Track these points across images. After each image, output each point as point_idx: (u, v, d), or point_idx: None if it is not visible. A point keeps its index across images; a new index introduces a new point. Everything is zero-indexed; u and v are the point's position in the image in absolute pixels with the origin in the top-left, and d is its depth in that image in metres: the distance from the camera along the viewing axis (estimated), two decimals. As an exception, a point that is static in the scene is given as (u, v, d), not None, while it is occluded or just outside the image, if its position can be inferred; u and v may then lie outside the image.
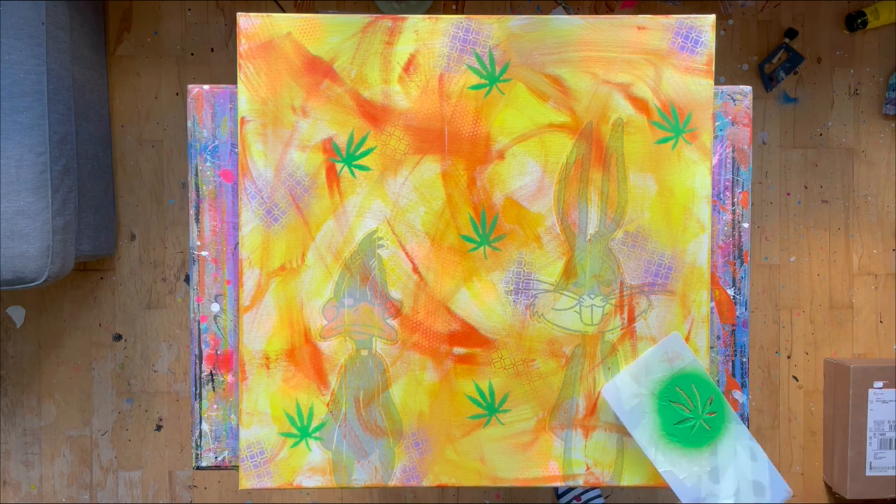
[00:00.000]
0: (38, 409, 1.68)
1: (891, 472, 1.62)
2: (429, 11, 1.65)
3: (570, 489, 1.62)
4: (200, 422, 0.95)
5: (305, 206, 0.92)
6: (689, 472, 0.91)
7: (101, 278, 1.65)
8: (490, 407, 0.93)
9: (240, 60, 0.90)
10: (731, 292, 0.96)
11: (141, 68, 1.62)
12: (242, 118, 0.90)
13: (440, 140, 0.92)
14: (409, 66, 0.91)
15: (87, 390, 1.67)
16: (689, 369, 0.91)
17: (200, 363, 0.94)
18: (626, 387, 0.91)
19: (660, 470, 0.91)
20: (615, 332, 0.93)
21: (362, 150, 0.91)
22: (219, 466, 0.95)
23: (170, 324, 1.67)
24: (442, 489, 1.68)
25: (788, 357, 1.72)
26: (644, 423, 0.91)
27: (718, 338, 0.96)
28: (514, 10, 1.68)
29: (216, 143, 0.94)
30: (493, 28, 0.91)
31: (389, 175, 0.92)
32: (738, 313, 0.96)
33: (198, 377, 0.95)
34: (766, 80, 1.68)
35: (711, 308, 0.96)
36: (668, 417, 0.91)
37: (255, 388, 0.92)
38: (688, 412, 0.91)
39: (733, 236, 0.96)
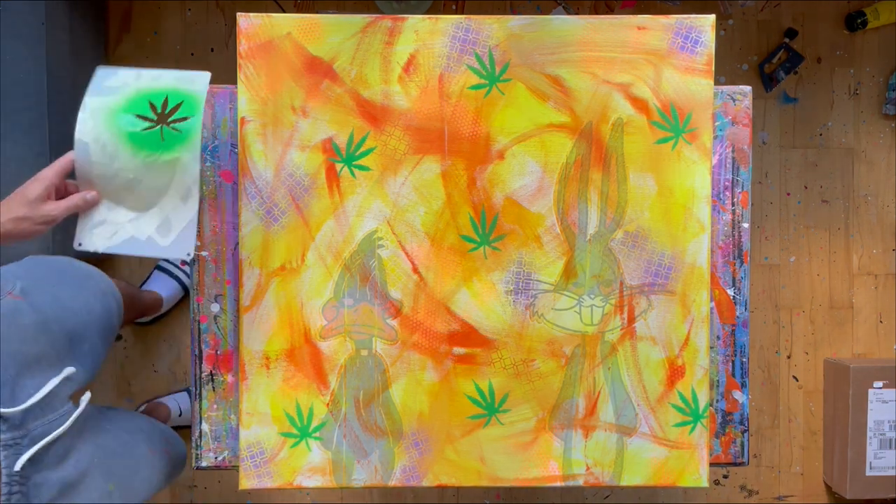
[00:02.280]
0: None
1: (891, 472, 1.62)
2: (429, 11, 1.65)
3: None
4: (200, 422, 0.95)
5: (305, 206, 0.92)
6: (107, 162, 0.81)
7: (101, 278, 1.65)
8: (490, 407, 0.93)
9: (240, 60, 0.90)
10: (730, 292, 0.96)
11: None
12: (242, 118, 0.90)
13: (440, 140, 0.92)
14: (409, 66, 0.91)
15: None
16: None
17: (200, 363, 0.94)
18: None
19: (76, 136, 0.81)
20: (615, 332, 0.93)
21: (362, 150, 0.91)
22: (219, 466, 0.95)
23: (170, 324, 1.67)
24: (442, 489, 1.68)
25: (788, 357, 1.72)
26: (108, 98, 0.82)
27: (718, 338, 0.96)
28: (514, 10, 1.68)
29: (216, 143, 0.94)
30: (493, 28, 0.91)
31: (389, 175, 0.92)
32: (737, 313, 0.96)
33: (198, 377, 0.95)
34: (766, 80, 1.68)
35: (711, 308, 0.96)
36: (132, 105, 0.81)
37: (255, 388, 0.92)
38: (154, 114, 0.81)
39: (733, 236, 0.96)
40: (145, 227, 0.83)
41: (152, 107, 0.82)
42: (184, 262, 1.47)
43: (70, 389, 0.86)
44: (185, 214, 0.84)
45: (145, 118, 0.81)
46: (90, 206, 0.82)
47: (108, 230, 0.83)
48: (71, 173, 0.83)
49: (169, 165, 0.82)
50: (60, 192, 0.82)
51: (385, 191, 0.92)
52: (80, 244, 0.83)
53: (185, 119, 0.81)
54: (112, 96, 0.81)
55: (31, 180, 0.80)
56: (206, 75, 0.84)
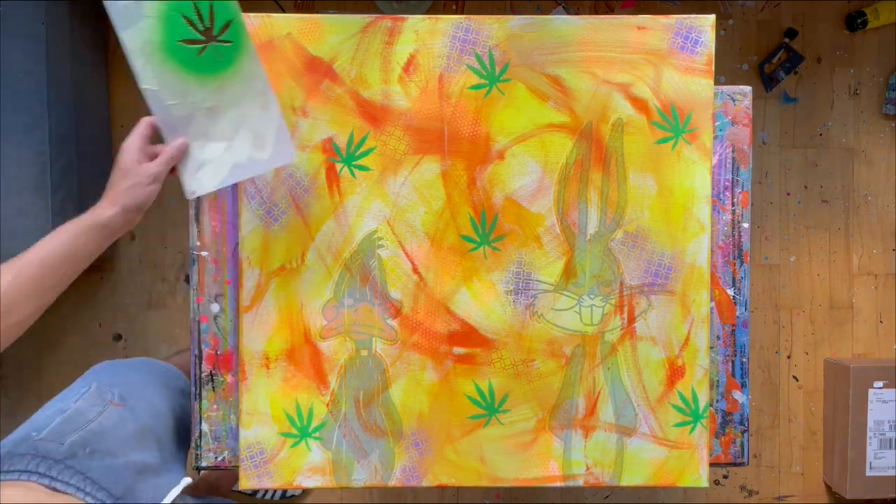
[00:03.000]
0: (38, 410, 1.68)
1: (891, 472, 1.62)
2: (429, 11, 1.65)
3: None
4: (200, 422, 0.95)
5: (305, 206, 0.92)
6: (181, 101, 0.79)
7: (101, 278, 1.65)
8: (490, 407, 0.93)
9: (240, 60, 0.90)
10: (730, 292, 0.96)
11: (141, 68, 1.62)
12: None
13: (440, 140, 0.92)
14: (408, 66, 0.91)
15: (87, 390, 1.66)
16: None
17: (200, 363, 0.94)
18: None
19: (142, 86, 0.78)
20: (615, 332, 0.93)
21: (362, 150, 0.91)
22: (219, 467, 0.95)
23: (170, 324, 1.67)
24: (442, 489, 1.68)
25: (788, 357, 1.72)
26: (140, 27, 0.77)
27: (718, 338, 0.96)
28: (514, 10, 1.68)
29: (216, 143, 0.94)
30: (493, 28, 0.91)
31: (389, 175, 0.92)
32: (737, 313, 0.96)
33: (198, 377, 0.95)
34: (766, 80, 1.68)
35: (711, 308, 0.96)
36: (172, 31, 0.78)
37: (254, 388, 0.92)
38: (198, 33, 0.78)
39: (733, 236, 0.96)
40: (241, 150, 0.82)
41: (191, 24, 0.79)
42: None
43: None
44: (272, 122, 0.83)
45: (192, 41, 0.79)
46: (183, 151, 0.81)
47: (210, 168, 0.82)
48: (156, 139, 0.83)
49: (236, 80, 0.81)
50: (151, 157, 0.82)
51: (385, 191, 0.92)
52: (193, 192, 0.82)
53: (226, 25, 0.79)
54: (143, 21, 0.78)
55: (118, 156, 0.80)
56: None
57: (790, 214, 1.71)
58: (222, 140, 0.82)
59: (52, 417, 0.83)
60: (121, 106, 1.63)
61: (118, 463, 0.82)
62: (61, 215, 1.27)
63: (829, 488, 1.73)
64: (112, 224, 0.78)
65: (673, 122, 0.92)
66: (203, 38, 0.79)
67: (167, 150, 0.81)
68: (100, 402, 0.86)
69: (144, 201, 0.79)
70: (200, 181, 0.82)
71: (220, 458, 0.95)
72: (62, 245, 0.76)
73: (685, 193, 0.92)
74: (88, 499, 0.78)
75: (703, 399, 0.93)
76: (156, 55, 0.78)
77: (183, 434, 0.99)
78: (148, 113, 0.81)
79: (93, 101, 1.50)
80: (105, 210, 0.78)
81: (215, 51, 0.79)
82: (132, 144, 0.80)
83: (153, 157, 0.81)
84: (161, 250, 1.64)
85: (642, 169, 0.92)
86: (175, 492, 0.84)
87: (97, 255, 0.79)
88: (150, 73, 0.78)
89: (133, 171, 0.79)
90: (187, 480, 0.87)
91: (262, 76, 0.82)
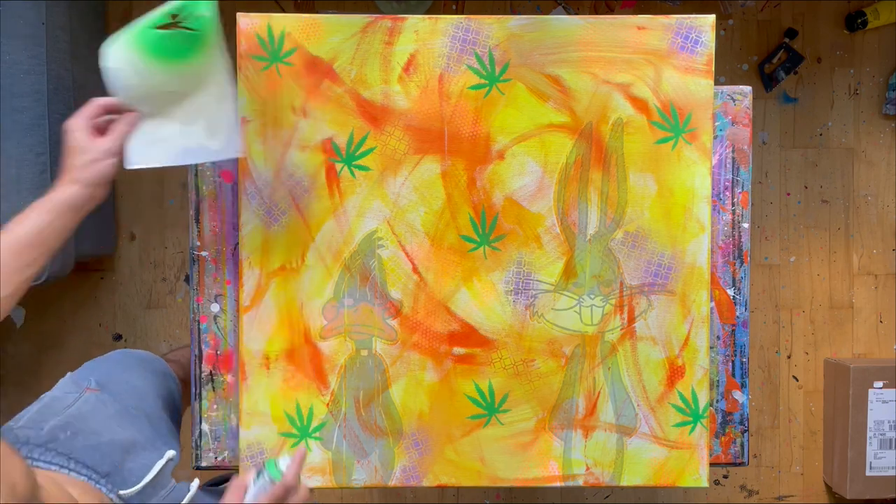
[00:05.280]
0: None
1: (891, 472, 1.62)
2: (429, 11, 1.65)
3: None
4: (200, 422, 0.95)
5: (305, 207, 0.92)
6: (141, 81, 0.80)
7: (102, 278, 1.65)
8: (490, 407, 0.93)
9: (240, 60, 0.90)
10: (730, 292, 0.96)
11: (141, 68, 1.62)
12: (242, 118, 0.90)
13: (440, 140, 0.92)
14: (409, 66, 0.91)
15: (87, 390, 1.66)
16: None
17: (200, 363, 0.94)
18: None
19: (105, 65, 0.79)
20: (615, 332, 0.93)
21: (362, 150, 0.91)
22: (219, 466, 0.95)
23: (170, 324, 1.67)
24: (442, 489, 1.68)
25: (788, 357, 1.72)
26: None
27: (718, 338, 0.96)
28: (514, 10, 1.68)
29: (216, 143, 0.94)
30: (492, 28, 0.91)
31: (389, 175, 0.92)
32: (737, 313, 0.96)
33: (198, 377, 0.95)
34: (766, 80, 1.68)
35: (711, 308, 0.96)
36: (151, 24, 0.78)
37: (255, 388, 0.92)
38: (168, 25, 0.78)
39: (733, 236, 0.96)
40: (194, 135, 0.83)
41: (169, 17, 0.80)
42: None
43: (170, 468, 0.88)
44: (227, 114, 0.84)
45: (160, 26, 0.79)
46: (134, 125, 0.81)
47: (161, 147, 0.82)
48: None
49: (199, 68, 0.82)
50: (102, 131, 0.81)
51: (385, 191, 0.92)
52: (135, 164, 0.82)
53: (195, 15, 0.79)
54: (128, 29, 0.80)
55: (66, 136, 0.80)
56: None
57: (790, 214, 1.71)
58: (177, 122, 0.82)
59: (29, 409, 0.85)
60: (121, 106, 1.63)
61: (103, 441, 0.82)
62: (61, 215, 1.27)
63: (829, 488, 1.73)
64: (76, 201, 0.78)
65: (673, 122, 0.92)
66: (172, 23, 0.79)
67: (119, 125, 0.80)
68: (75, 389, 0.87)
69: (104, 175, 0.79)
70: (146, 155, 0.82)
71: (220, 458, 0.95)
72: (31, 226, 0.76)
73: (685, 193, 0.92)
74: (73, 475, 0.78)
75: (703, 399, 0.93)
76: (126, 39, 0.79)
77: (172, 411, 0.99)
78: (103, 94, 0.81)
79: (93, 101, 1.50)
80: (65, 189, 0.78)
81: (182, 37, 0.79)
82: (78, 123, 0.79)
83: (103, 131, 0.81)
84: (161, 250, 1.64)
85: (642, 169, 0.92)
86: (158, 465, 0.84)
87: (68, 235, 0.80)
88: (116, 52, 0.79)
89: (86, 147, 0.78)
90: (171, 453, 0.87)
91: (225, 69, 0.83)
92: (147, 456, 0.85)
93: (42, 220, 0.77)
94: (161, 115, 0.82)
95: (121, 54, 0.79)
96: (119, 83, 0.80)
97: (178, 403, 1.04)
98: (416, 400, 0.93)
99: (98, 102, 0.81)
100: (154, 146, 0.82)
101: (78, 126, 0.79)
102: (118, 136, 0.80)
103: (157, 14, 0.79)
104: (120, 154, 0.80)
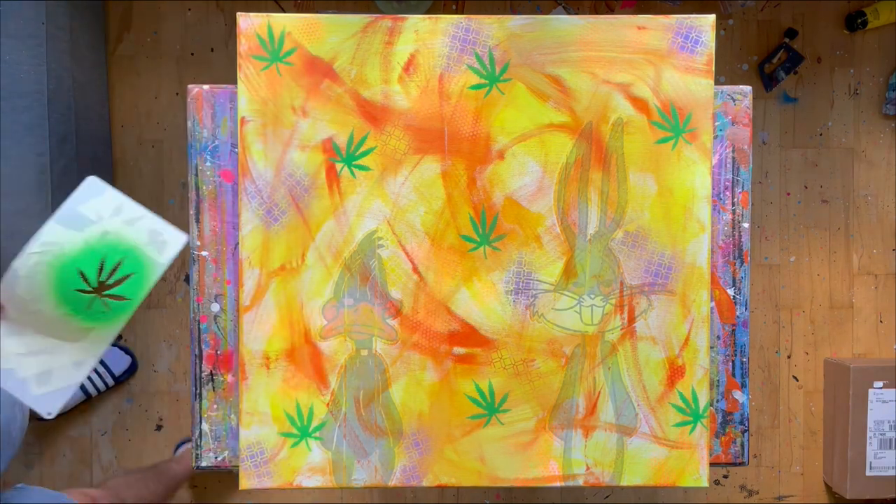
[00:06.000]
0: (38, 409, 1.67)
1: (891, 472, 1.62)
2: (429, 11, 1.65)
3: None
4: (200, 422, 0.95)
5: (305, 206, 0.92)
6: (28, 300, 0.78)
7: (101, 278, 1.65)
8: (490, 407, 0.93)
9: (240, 60, 0.90)
10: (731, 292, 0.96)
11: (141, 68, 1.62)
12: (242, 118, 0.90)
13: (440, 140, 0.92)
14: (409, 66, 0.91)
15: (87, 390, 1.67)
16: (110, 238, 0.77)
17: (200, 363, 0.94)
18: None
19: (14, 265, 0.75)
20: (615, 332, 0.93)
21: (362, 150, 0.91)
22: (219, 466, 0.95)
23: (170, 324, 1.67)
24: (442, 489, 1.68)
25: (788, 357, 1.72)
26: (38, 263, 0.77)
27: (718, 338, 0.96)
28: (514, 10, 1.68)
29: (216, 143, 0.94)
30: (493, 28, 0.91)
31: (389, 175, 0.92)
32: (738, 313, 0.96)
33: (198, 377, 0.95)
34: (766, 80, 1.68)
35: (711, 308, 0.96)
36: (82, 261, 0.77)
37: (255, 388, 0.92)
38: (90, 287, 0.77)
39: (733, 236, 0.96)
40: (28, 368, 0.81)
41: (101, 268, 0.79)
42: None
43: None
44: (70, 379, 0.82)
45: (86, 281, 0.78)
46: None
47: None
48: None
49: (81, 331, 0.80)
50: None
51: (385, 191, 0.92)
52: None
53: (121, 299, 0.79)
54: (75, 233, 0.78)
55: None
56: (182, 240, 0.81)
57: (790, 214, 1.71)
58: (25, 347, 0.81)
59: None
60: (121, 106, 1.63)
61: None
62: (61, 215, 1.27)
63: (829, 488, 1.73)
64: None
65: (673, 122, 0.92)
66: (95, 287, 0.78)
67: None
68: None
69: None
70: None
71: (219, 458, 0.95)
72: None
73: (685, 193, 0.92)
74: None
75: (704, 399, 0.93)
76: (51, 259, 0.77)
77: (7, 445, 0.96)
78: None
79: (93, 101, 1.50)
80: None
81: (91, 303, 0.78)
82: None
83: None
84: (161, 250, 1.64)
85: (642, 169, 0.92)
86: None
87: None
88: (32, 263, 0.77)
89: None
90: None
91: (98, 353, 0.81)
92: None
93: None
94: (19, 331, 0.80)
95: (33, 269, 0.77)
96: (10, 285, 0.78)
97: (17, 434, 1.00)
98: (416, 400, 0.93)
99: None
100: None
101: None
102: None
103: (120, 233, 0.77)
104: None
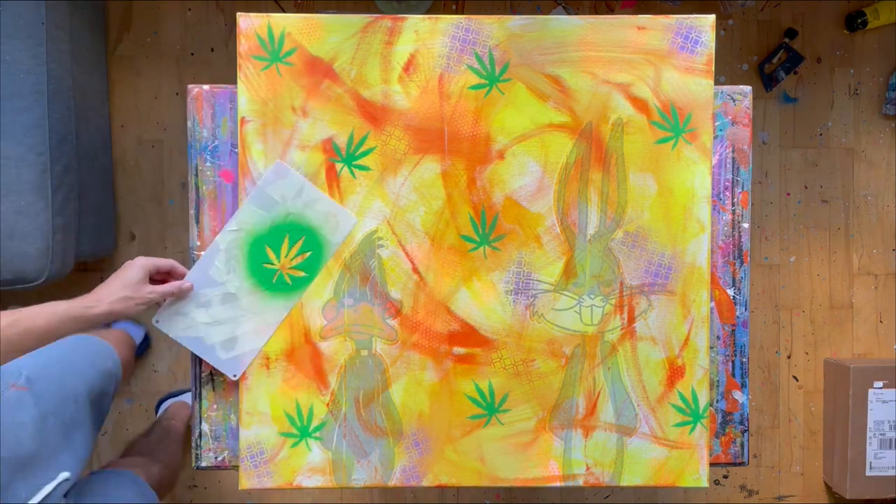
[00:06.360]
0: None
1: (891, 472, 1.62)
2: (429, 11, 1.65)
3: None
4: (200, 422, 0.95)
5: (305, 206, 0.91)
6: (221, 273, 0.89)
7: (102, 278, 1.65)
8: (490, 407, 0.93)
9: (240, 60, 0.90)
10: (731, 292, 0.96)
11: (141, 68, 1.62)
12: (242, 118, 0.90)
13: (440, 140, 0.92)
14: (409, 66, 0.91)
15: (87, 390, 1.66)
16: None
17: (200, 363, 0.94)
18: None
19: (217, 239, 0.89)
20: (615, 332, 0.93)
21: (362, 149, 0.91)
22: (219, 466, 0.95)
23: (170, 324, 1.67)
24: (442, 489, 1.68)
25: (788, 357, 1.72)
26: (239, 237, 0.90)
27: (718, 338, 0.96)
28: (514, 10, 1.68)
29: (216, 143, 0.94)
30: (492, 28, 0.91)
31: (389, 175, 0.92)
32: (737, 313, 0.96)
33: (198, 377, 0.95)
34: (766, 80, 1.68)
35: (711, 308, 0.96)
36: (270, 238, 0.90)
37: (255, 388, 0.92)
38: (274, 263, 0.89)
39: (733, 236, 0.96)
40: (215, 335, 0.91)
41: (284, 246, 0.90)
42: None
43: (63, 489, 0.89)
44: (253, 344, 0.91)
45: (272, 257, 0.90)
46: (184, 294, 0.90)
47: (186, 322, 0.90)
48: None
49: (266, 301, 0.90)
50: (154, 279, 0.90)
51: (385, 191, 0.92)
52: (157, 321, 0.91)
53: (301, 274, 0.90)
54: (264, 213, 0.89)
55: (127, 265, 0.88)
56: (352, 221, 0.90)
57: (790, 214, 1.71)
58: (212, 317, 0.90)
59: None
60: (121, 106, 1.63)
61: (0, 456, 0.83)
62: (61, 215, 1.27)
63: (829, 488, 1.73)
64: (95, 320, 0.85)
65: (673, 122, 0.92)
66: (279, 264, 0.90)
67: (172, 287, 0.88)
68: (2, 385, 0.89)
69: (128, 314, 0.86)
70: (171, 323, 0.91)
71: (219, 458, 0.95)
72: (47, 326, 0.82)
73: (685, 193, 0.92)
74: None
75: (703, 399, 0.93)
76: (245, 236, 0.89)
77: (96, 417, 1.01)
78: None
79: (93, 101, 1.50)
80: (94, 307, 0.85)
81: (276, 276, 0.90)
82: (145, 264, 0.87)
83: (154, 280, 0.89)
84: (161, 250, 1.64)
85: (642, 169, 0.92)
86: (46, 490, 0.85)
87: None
88: (231, 238, 0.89)
89: (134, 287, 0.86)
90: (64, 476, 0.88)
91: (280, 320, 0.91)
92: (42, 475, 0.86)
93: (56, 324, 0.83)
94: (207, 302, 0.90)
95: (231, 244, 0.89)
96: (210, 260, 0.90)
97: (109, 401, 1.06)
98: (416, 400, 0.93)
99: (171, 266, 0.89)
100: (179, 319, 0.91)
101: (141, 264, 0.87)
102: (161, 294, 0.88)
103: (301, 214, 0.88)
104: (152, 305, 0.88)
